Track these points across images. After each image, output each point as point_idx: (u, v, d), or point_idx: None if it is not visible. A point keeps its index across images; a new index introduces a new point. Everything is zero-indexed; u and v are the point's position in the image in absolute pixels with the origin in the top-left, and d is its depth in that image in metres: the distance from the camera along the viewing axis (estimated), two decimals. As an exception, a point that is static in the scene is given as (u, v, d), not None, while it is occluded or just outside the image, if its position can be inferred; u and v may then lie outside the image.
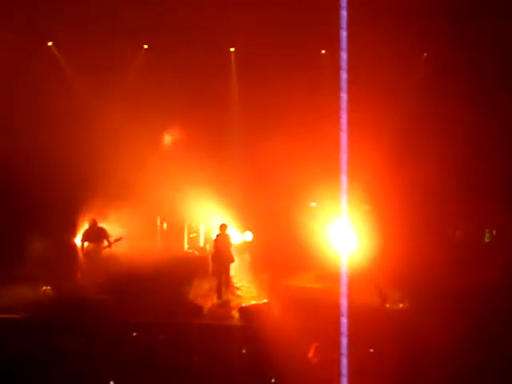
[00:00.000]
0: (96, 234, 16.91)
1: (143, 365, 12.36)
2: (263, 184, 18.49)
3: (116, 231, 17.43)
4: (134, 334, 13.47)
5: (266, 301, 16.17)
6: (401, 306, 15.54)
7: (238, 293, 16.79)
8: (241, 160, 18.79)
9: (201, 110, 18.41)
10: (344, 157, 6.27)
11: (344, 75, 6.24)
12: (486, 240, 18.20)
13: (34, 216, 17.39)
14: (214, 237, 16.54)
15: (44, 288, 15.99)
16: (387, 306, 15.56)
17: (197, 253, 19.08)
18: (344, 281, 6.31)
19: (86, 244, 17.03)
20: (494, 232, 18.23)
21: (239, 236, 18.34)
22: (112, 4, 17.01)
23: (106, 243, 16.87)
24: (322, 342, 12.79)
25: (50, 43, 18.64)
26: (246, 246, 18.68)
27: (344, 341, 6.31)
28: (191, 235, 19.57)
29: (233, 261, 16.59)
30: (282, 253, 17.57)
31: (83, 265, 17.01)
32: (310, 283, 16.86)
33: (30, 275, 16.69)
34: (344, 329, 6.31)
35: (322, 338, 12.77)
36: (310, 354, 13.56)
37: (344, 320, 6.32)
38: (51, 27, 17.77)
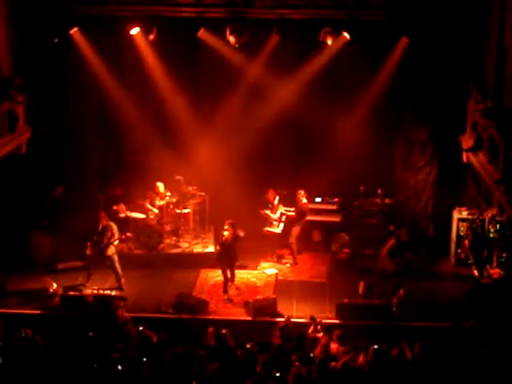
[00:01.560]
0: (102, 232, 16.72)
1: (149, 359, 12.48)
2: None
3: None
4: (141, 328, 13.59)
5: (272, 295, 16.40)
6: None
7: (244, 288, 16.90)
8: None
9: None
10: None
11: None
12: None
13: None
14: (221, 234, 16.58)
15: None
16: None
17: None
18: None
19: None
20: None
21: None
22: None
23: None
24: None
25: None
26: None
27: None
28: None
29: (237, 258, 16.72)
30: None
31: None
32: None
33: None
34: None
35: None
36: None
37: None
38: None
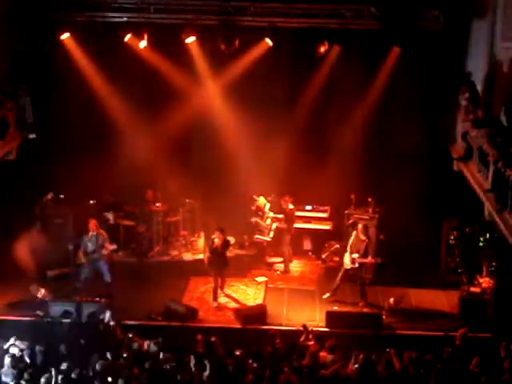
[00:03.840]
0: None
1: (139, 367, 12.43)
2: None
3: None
4: (130, 335, 13.56)
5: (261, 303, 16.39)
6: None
7: (234, 295, 16.86)
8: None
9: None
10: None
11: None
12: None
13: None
14: (212, 241, 16.56)
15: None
16: None
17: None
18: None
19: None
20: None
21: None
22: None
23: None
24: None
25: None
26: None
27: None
28: None
29: (227, 265, 16.70)
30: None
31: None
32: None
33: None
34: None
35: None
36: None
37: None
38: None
